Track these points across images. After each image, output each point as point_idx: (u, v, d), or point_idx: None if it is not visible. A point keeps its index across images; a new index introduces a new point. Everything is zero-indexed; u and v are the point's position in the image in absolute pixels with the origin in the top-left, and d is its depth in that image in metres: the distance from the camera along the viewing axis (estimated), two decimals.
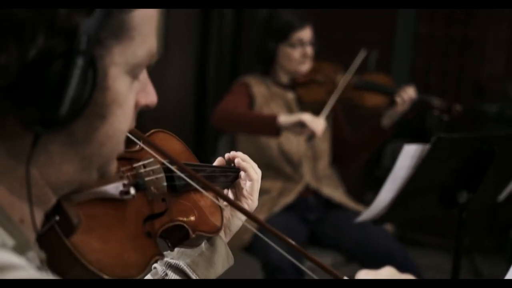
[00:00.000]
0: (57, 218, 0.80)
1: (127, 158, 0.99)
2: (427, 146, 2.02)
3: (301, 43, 2.64)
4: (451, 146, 2.10)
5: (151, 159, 1.01)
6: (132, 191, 0.92)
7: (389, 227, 2.78)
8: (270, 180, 2.66)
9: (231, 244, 1.11)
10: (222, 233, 1.12)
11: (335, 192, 2.71)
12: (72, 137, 0.72)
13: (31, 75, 0.66)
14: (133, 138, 0.98)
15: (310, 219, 2.66)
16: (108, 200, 0.90)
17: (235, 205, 1.08)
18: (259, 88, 2.70)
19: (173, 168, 1.02)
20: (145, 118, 5.36)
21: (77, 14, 0.67)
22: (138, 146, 1.01)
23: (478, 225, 4.17)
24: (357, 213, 2.53)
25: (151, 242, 0.93)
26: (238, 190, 1.17)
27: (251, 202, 1.15)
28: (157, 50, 0.77)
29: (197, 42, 4.66)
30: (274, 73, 2.73)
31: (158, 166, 1.00)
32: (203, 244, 1.08)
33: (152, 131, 1.11)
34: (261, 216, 2.56)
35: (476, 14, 4.05)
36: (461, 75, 4.16)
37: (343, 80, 2.70)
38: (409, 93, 2.62)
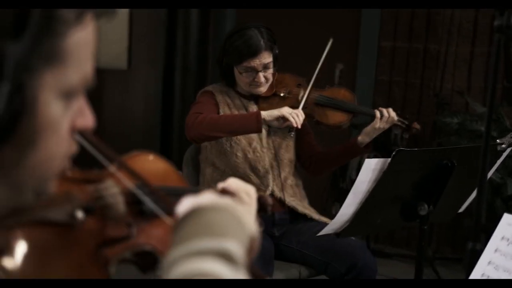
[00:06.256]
0: None
1: (87, 180, 0.95)
2: (387, 160, 2.05)
3: (252, 70, 2.62)
4: (411, 159, 2.14)
5: (109, 182, 0.97)
6: (80, 214, 0.87)
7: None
8: None
9: None
10: None
11: (299, 203, 2.73)
12: (0, 164, 0.69)
13: None
14: (101, 160, 0.93)
15: (275, 234, 2.67)
16: (55, 224, 0.85)
17: None
18: (223, 97, 2.72)
19: (135, 191, 0.97)
20: (110, 133, 5.29)
21: (3, 40, 0.65)
22: (108, 168, 0.96)
23: (440, 236, 4.24)
24: (321, 224, 2.56)
25: (100, 272, 0.88)
26: None
27: None
28: (92, 75, 0.75)
29: (162, 55, 4.66)
30: (236, 85, 2.74)
31: (116, 189, 0.96)
32: None
33: (134, 153, 1.05)
34: None
35: (436, 29, 4.13)
36: (423, 88, 4.24)
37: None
38: (391, 114, 2.64)
